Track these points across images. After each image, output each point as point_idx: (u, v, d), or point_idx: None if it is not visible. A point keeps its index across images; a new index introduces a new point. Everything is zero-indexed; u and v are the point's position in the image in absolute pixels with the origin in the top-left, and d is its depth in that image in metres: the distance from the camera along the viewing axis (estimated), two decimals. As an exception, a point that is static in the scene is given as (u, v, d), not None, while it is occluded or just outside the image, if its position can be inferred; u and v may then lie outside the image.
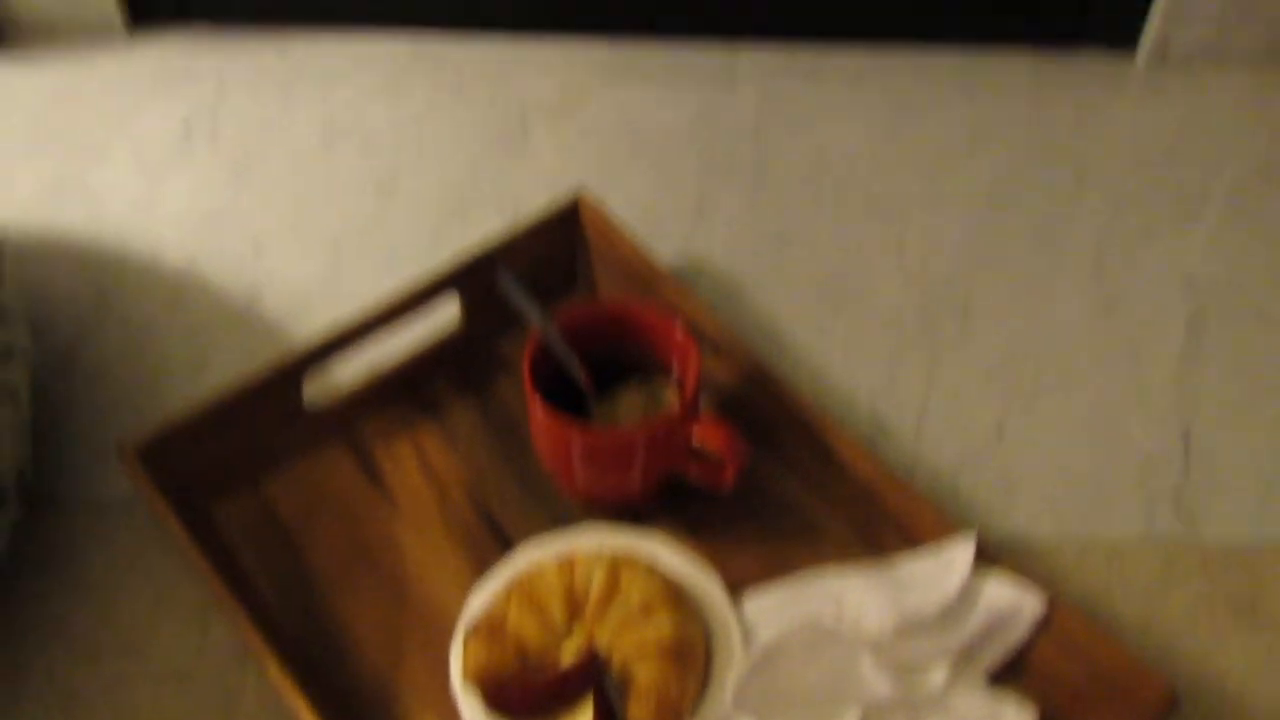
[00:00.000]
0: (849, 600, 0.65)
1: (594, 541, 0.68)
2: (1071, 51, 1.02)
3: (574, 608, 0.64)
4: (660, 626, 0.62)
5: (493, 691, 0.62)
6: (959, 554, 0.66)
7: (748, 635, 0.64)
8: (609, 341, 0.71)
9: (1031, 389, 0.81)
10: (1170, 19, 0.98)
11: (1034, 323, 0.84)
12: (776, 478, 0.73)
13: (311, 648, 0.67)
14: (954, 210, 0.92)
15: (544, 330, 0.68)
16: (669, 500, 0.72)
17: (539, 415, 0.66)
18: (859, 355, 0.82)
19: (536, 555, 0.67)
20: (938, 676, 0.63)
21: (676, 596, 0.64)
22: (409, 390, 0.78)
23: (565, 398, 0.70)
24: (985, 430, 0.78)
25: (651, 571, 0.65)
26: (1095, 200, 0.92)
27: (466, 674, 0.62)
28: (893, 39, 1.02)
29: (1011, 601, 0.64)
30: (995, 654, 0.64)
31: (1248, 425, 0.79)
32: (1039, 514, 0.75)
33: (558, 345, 0.69)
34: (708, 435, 0.66)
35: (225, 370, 0.80)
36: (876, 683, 0.62)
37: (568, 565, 0.65)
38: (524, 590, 0.64)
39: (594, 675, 0.62)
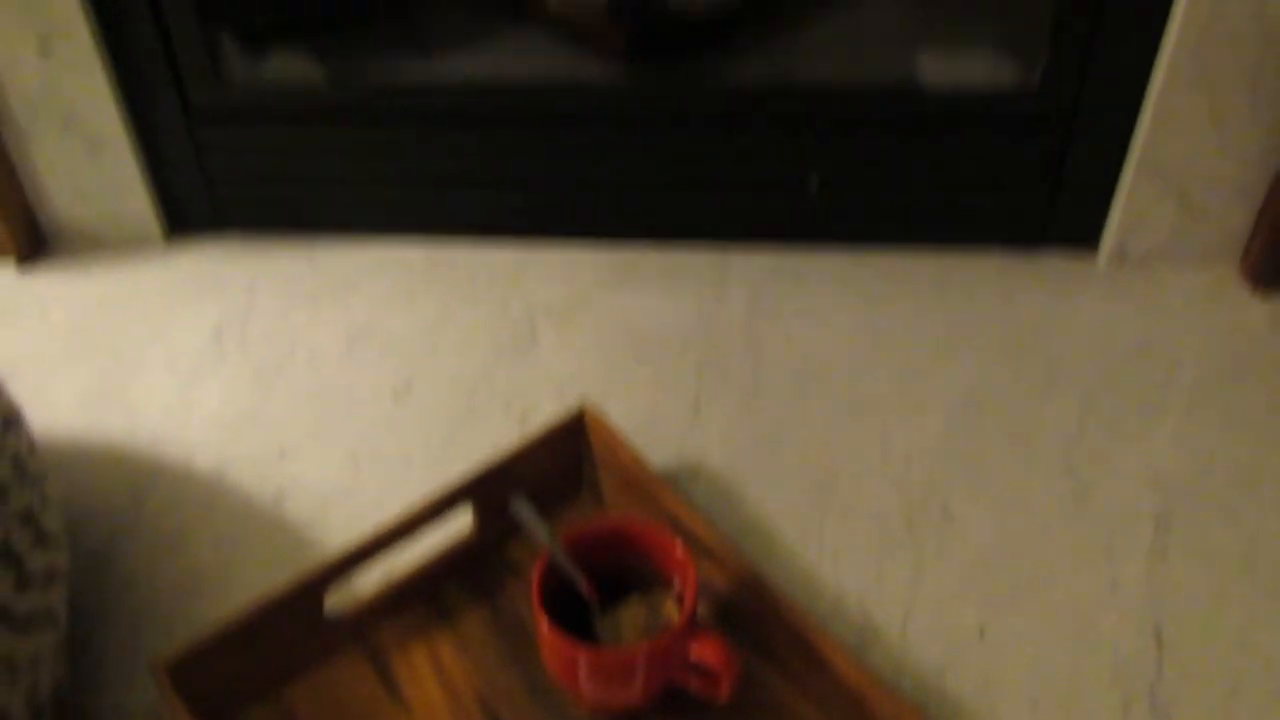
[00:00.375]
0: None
1: (599, 751, 0.72)
2: (1038, 253, 1.11)
3: (581, 822, 0.67)
4: (662, 843, 0.65)
5: None
6: (943, 764, 0.70)
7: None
8: (613, 555, 0.77)
9: (1010, 588, 0.85)
10: (1127, 224, 1.07)
11: (1010, 521, 0.90)
12: (771, 683, 0.77)
13: None
14: (933, 409, 0.98)
15: (552, 550, 0.74)
16: (669, 704, 0.76)
17: (546, 633, 0.71)
18: (847, 556, 0.87)
19: (545, 765, 0.71)
20: None
21: (677, 809, 0.68)
22: (424, 597, 0.83)
23: (571, 607, 0.75)
24: (968, 630, 0.83)
25: (653, 784, 0.69)
26: (1065, 398, 0.98)
27: None
28: (871, 242, 1.11)
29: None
30: None
31: (1217, 622, 0.83)
32: (1020, 714, 0.78)
33: (565, 564, 0.74)
34: (704, 651, 0.71)
35: (251, 575, 0.85)
36: None
37: (574, 777, 0.69)
38: (533, 803, 0.68)
39: None
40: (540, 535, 0.75)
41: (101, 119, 1.04)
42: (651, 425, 0.96)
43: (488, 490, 0.83)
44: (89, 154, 1.06)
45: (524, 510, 0.76)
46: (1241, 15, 0.93)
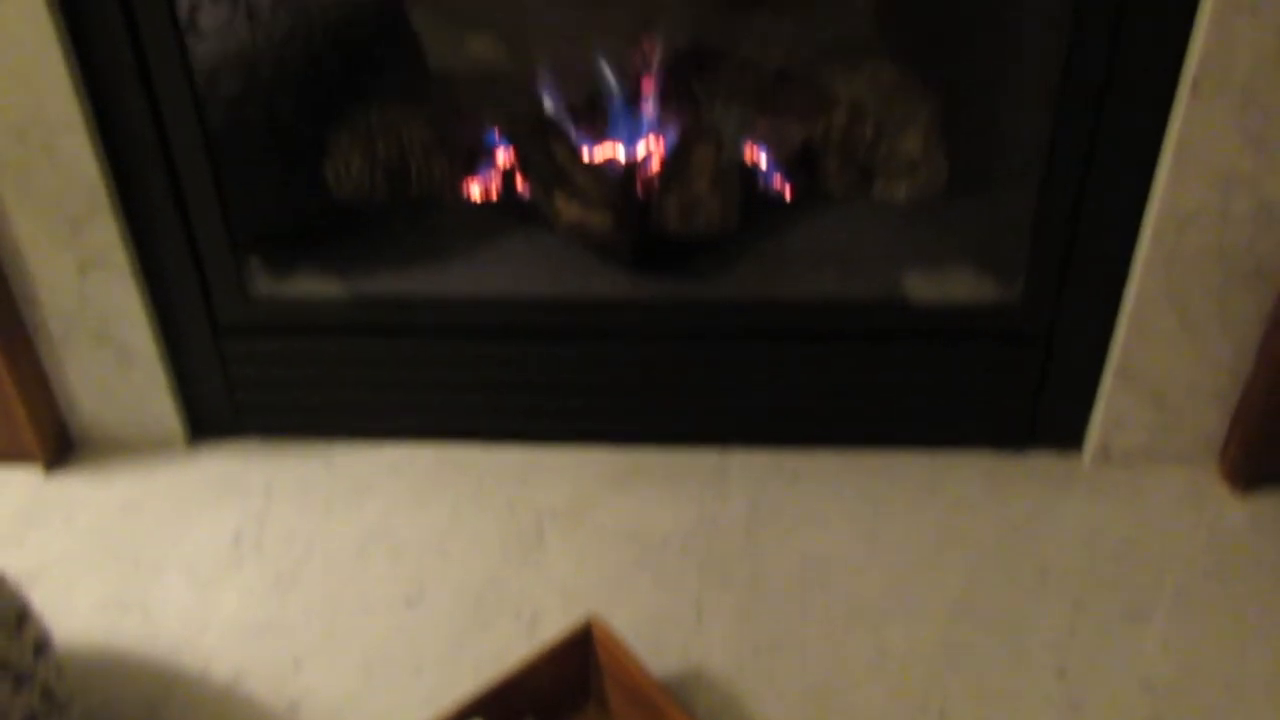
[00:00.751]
0: None
1: None
2: (1025, 452, 1.15)
3: None
4: None
5: None
6: None
7: None
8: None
9: (1009, 801, 0.87)
10: (1108, 425, 1.12)
11: (1007, 731, 0.92)
12: None
13: None
14: (929, 612, 1.01)
15: (562, 777, 0.76)
16: None
17: None
18: (848, 767, 0.89)
19: None
20: None
21: None
22: (435, 815, 0.84)
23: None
24: (968, 847, 0.84)
25: None
26: (1056, 600, 1.01)
27: None
28: (867, 444, 1.16)
29: None
30: None
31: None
32: None
33: (574, 790, 0.76)
34: None
35: (264, 792, 0.87)
36: None
37: None
38: None
39: None
40: (550, 762, 0.78)
41: (133, 333, 1.10)
42: (655, 630, 0.99)
43: (498, 705, 0.86)
44: (119, 364, 1.11)
45: (535, 736, 0.79)
46: (1204, 239, 1.00)
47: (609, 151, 1.18)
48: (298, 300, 1.13)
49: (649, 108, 1.18)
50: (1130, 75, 0.95)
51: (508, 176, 1.19)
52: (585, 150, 1.17)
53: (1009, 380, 1.12)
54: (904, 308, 1.10)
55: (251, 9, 1.16)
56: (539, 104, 1.19)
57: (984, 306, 1.10)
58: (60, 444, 1.16)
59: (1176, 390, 1.09)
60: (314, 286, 1.14)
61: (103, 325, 1.10)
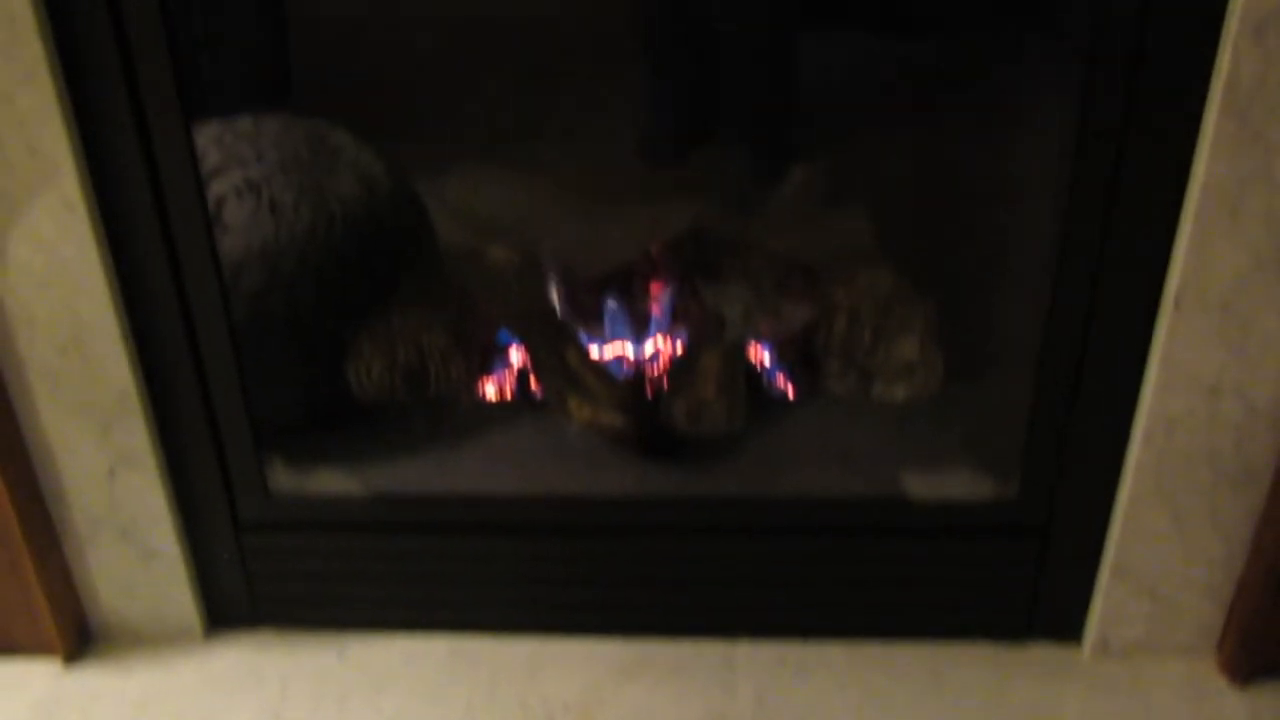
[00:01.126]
0: None
1: None
2: (1025, 643, 1.17)
3: None
4: None
5: None
6: None
7: None
8: None
9: None
10: (1106, 618, 1.14)
11: None
12: None
13: None
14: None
15: None
16: None
17: None
18: None
19: None
20: None
21: None
22: None
23: None
24: None
25: None
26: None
27: None
28: (869, 635, 1.18)
29: None
30: None
31: None
32: None
33: None
34: None
35: None
36: None
37: None
38: None
39: None
40: None
41: (157, 531, 1.13)
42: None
43: None
44: (141, 560, 1.14)
45: None
46: (1193, 441, 1.03)
47: (618, 350, 1.23)
48: (316, 496, 1.16)
49: (657, 308, 1.24)
50: (1115, 292, 1.00)
51: (521, 375, 1.24)
52: (595, 350, 1.22)
53: (1007, 573, 1.14)
54: (904, 504, 1.13)
55: (274, 203, 1.22)
56: (549, 305, 1.25)
57: (982, 502, 1.13)
58: (79, 636, 1.18)
59: (1171, 585, 1.11)
60: (332, 482, 1.18)
61: (129, 525, 1.12)
